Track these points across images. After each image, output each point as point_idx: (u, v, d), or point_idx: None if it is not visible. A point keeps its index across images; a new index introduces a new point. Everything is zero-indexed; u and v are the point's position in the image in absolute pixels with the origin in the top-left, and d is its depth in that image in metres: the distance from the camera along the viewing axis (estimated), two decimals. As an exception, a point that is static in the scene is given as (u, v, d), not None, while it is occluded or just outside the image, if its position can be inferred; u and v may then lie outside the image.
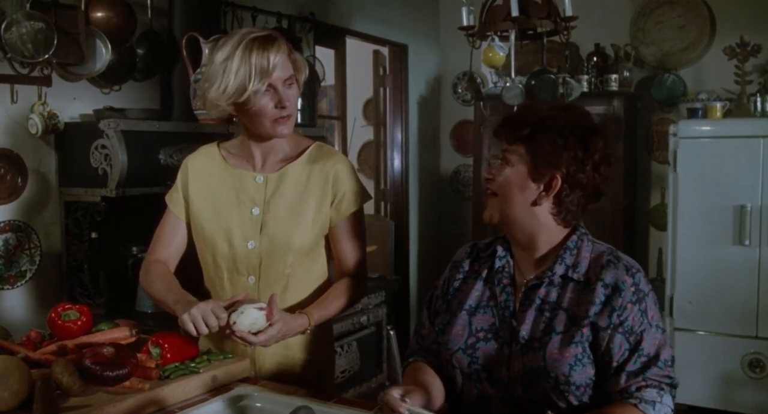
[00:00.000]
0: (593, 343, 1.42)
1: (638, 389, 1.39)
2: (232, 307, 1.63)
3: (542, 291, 1.49)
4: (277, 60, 1.70)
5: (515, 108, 1.55)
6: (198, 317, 1.58)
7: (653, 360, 1.40)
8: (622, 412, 1.37)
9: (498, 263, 1.56)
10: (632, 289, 1.44)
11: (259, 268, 1.80)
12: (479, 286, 1.57)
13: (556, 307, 1.46)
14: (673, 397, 1.41)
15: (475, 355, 1.50)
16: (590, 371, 1.42)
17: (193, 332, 1.60)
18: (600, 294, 1.44)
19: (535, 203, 1.49)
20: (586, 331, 1.42)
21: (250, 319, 1.60)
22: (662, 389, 1.39)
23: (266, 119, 1.74)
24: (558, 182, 1.47)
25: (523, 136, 1.47)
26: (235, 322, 1.59)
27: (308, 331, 1.75)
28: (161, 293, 1.78)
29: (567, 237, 1.53)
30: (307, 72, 1.81)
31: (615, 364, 1.41)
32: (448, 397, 1.56)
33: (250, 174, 1.83)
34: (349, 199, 1.83)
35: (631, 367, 1.40)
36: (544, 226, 1.51)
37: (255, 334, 1.61)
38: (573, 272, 1.48)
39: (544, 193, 1.48)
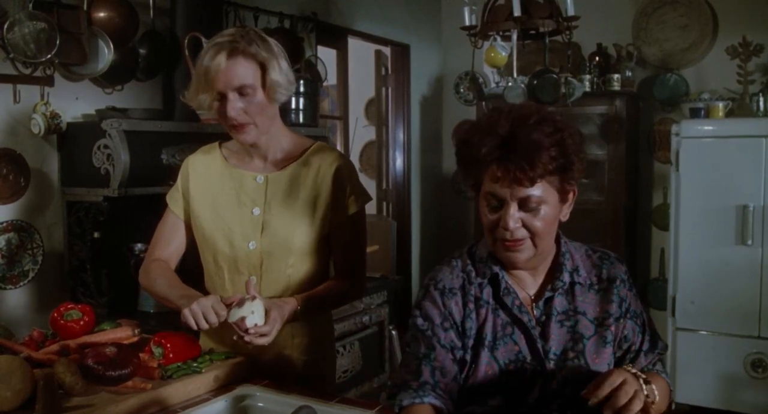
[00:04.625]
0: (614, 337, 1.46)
1: (654, 364, 1.48)
2: (236, 305, 1.61)
3: (556, 301, 1.45)
4: (222, 67, 1.66)
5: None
6: (198, 313, 1.58)
7: (655, 335, 1.50)
8: (655, 376, 1.42)
9: (503, 285, 1.45)
10: (625, 276, 1.50)
11: (260, 268, 1.79)
12: (488, 315, 1.44)
13: (573, 314, 1.44)
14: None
15: (514, 391, 1.43)
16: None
17: (194, 327, 1.60)
18: (614, 291, 1.46)
19: (558, 222, 1.45)
20: (613, 329, 1.45)
21: (260, 315, 1.59)
22: (663, 363, 1.51)
23: (224, 125, 1.76)
24: (575, 192, 1.45)
25: (551, 171, 1.35)
26: (256, 324, 1.58)
27: (297, 314, 1.71)
28: (164, 290, 1.78)
29: (557, 244, 1.51)
30: (275, 76, 1.70)
31: (634, 347, 1.47)
32: None
33: (251, 174, 1.83)
34: (350, 200, 1.83)
35: (646, 346, 1.48)
36: (552, 241, 1.48)
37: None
38: (577, 276, 1.47)
39: (564, 208, 1.45)
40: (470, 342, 1.42)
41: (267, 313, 1.61)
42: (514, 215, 1.36)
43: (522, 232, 1.38)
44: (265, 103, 1.73)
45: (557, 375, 1.41)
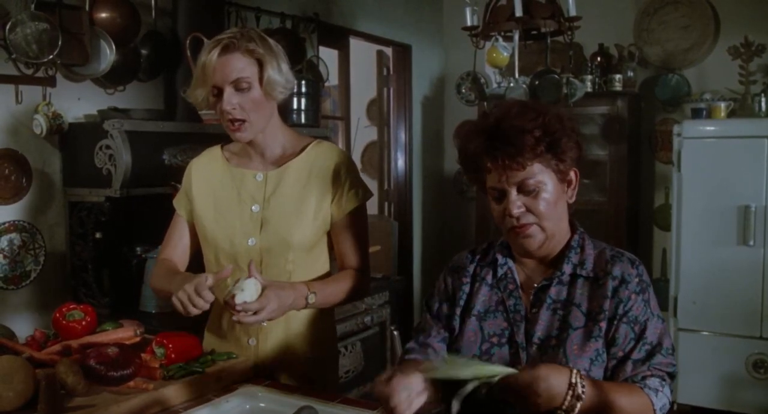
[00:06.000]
0: (605, 335, 1.44)
1: (643, 378, 1.40)
2: (225, 284, 1.62)
3: (552, 290, 1.49)
4: (218, 61, 1.68)
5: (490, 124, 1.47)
6: (184, 300, 1.59)
7: (657, 348, 1.42)
8: (630, 389, 1.38)
9: (500, 271, 1.55)
10: (636, 279, 1.46)
11: (261, 264, 1.80)
12: (485, 290, 1.55)
13: (568, 305, 1.47)
14: (671, 390, 1.43)
15: (491, 361, 1.47)
16: (605, 364, 1.43)
17: (185, 314, 1.60)
18: (610, 287, 1.45)
19: (565, 205, 1.50)
20: (603, 325, 1.43)
21: (251, 293, 1.59)
22: (664, 380, 1.41)
23: (222, 123, 1.77)
24: (576, 173, 1.50)
25: (540, 153, 1.41)
26: (245, 302, 1.57)
27: (310, 302, 1.72)
28: (162, 283, 1.79)
29: (570, 237, 1.54)
30: (272, 72, 1.72)
31: (621, 353, 1.42)
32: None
33: (250, 172, 1.85)
34: (350, 196, 1.83)
35: (636, 355, 1.42)
36: (564, 226, 1.52)
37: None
38: (581, 269, 1.49)
39: (569, 190, 1.50)
40: (458, 310, 1.55)
41: (263, 292, 1.61)
42: (515, 201, 1.42)
43: (528, 217, 1.44)
44: (262, 99, 1.74)
45: (538, 360, 1.44)
